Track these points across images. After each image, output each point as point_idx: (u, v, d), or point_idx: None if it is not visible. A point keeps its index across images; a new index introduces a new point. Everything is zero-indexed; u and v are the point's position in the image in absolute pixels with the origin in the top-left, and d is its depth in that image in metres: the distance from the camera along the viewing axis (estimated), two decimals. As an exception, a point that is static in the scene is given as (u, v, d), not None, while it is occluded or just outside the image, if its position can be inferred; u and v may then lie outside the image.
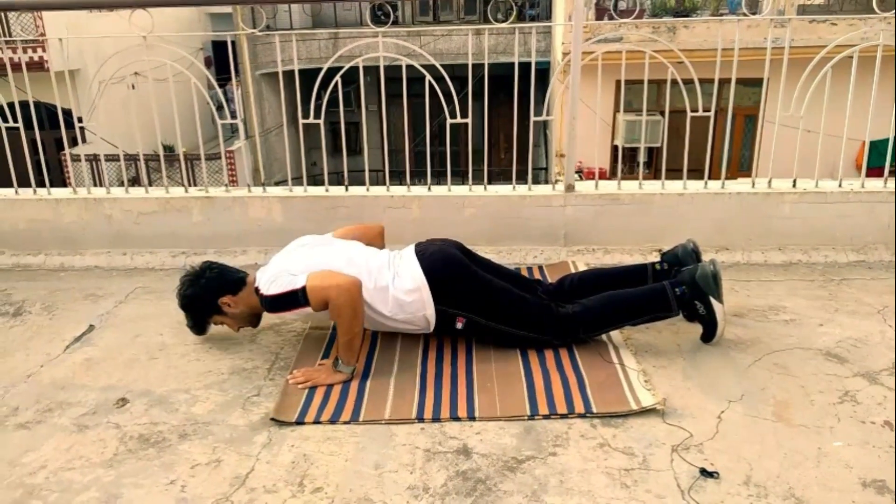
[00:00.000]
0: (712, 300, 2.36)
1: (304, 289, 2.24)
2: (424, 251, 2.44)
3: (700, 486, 1.73)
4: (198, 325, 2.54)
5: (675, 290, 2.39)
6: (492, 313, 2.39)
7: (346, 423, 2.05)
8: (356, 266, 2.38)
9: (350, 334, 2.25)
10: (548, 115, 3.44)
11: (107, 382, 2.33)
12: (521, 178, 3.45)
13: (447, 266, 2.40)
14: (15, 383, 2.34)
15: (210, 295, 2.45)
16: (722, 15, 10.34)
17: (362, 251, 2.49)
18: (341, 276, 2.27)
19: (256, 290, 2.38)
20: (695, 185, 3.33)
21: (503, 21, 3.30)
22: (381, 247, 2.80)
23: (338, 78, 3.26)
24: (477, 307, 2.39)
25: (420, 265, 2.37)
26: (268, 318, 2.76)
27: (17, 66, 3.48)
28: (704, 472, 1.77)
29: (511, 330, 2.40)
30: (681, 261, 2.57)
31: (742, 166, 10.99)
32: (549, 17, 13.30)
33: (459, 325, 2.40)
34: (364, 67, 3.33)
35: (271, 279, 2.32)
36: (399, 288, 2.36)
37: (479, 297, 2.39)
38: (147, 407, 2.17)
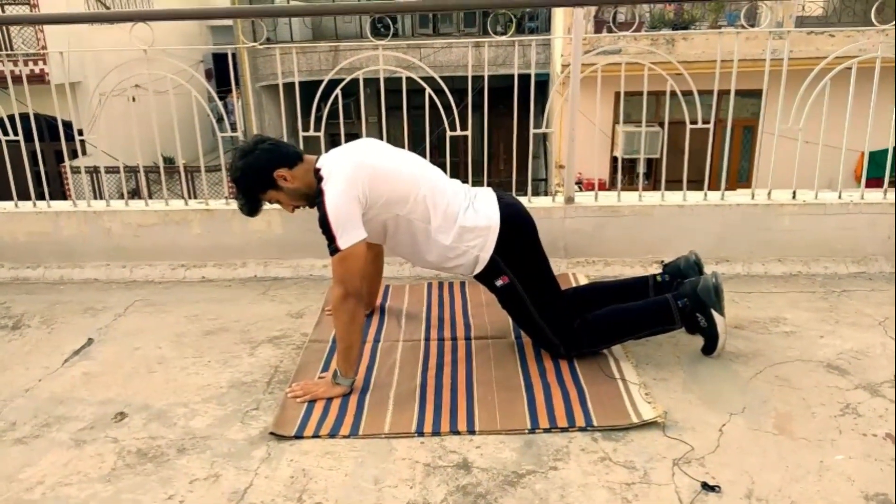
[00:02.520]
0: (714, 313, 2.35)
1: (337, 249, 2.15)
2: (504, 197, 2.43)
3: (702, 501, 1.72)
4: (250, 201, 2.32)
5: (677, 303, 2.39)
6: (533, 289, 2.38)
7: (345, 437, 2.04)
8: (431, 184, 2.32)
9: (347, 342, 2.24)
10: (547, 127, 3.45)
11: (105, 396, 2.32)
12: (521, 190, 3.45)
13: (523, 222, 2.39)
14: (13, 397, 2.33)
15: (265, 167, 2.25)
16: (720, 27, 10.38)
17: (437, 170, 2.44)
18: (358, 282, 2.21)
19: (318, 175, 2.23)
20: (694, 197, 3.33)
21: (503, 34, 3.31)
22: (381, 265, 2.80)
23: (338, 90, 3.27)
24: (525, 275, 2.37)
25: (499, 209, 2.35)
26: (267, 331, 2.76)
27: (18, 79, 3.49)
28: (706, 486, 1.76)
29: (535, 315, 2.39)
30: (683, 273, 2.56)
31: (741, 178, 11.00)
32: (548, 29, 13.36)
33: (500, 283, 2.38)
34: (364, 80, 3.34)
35: (337, 193, 2.17)
36: (471, 218, 2.32)
37: (532, 268, 2.39)
38: (145, 421, 2.16)
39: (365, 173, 2.23)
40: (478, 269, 2.37)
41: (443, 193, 2.33)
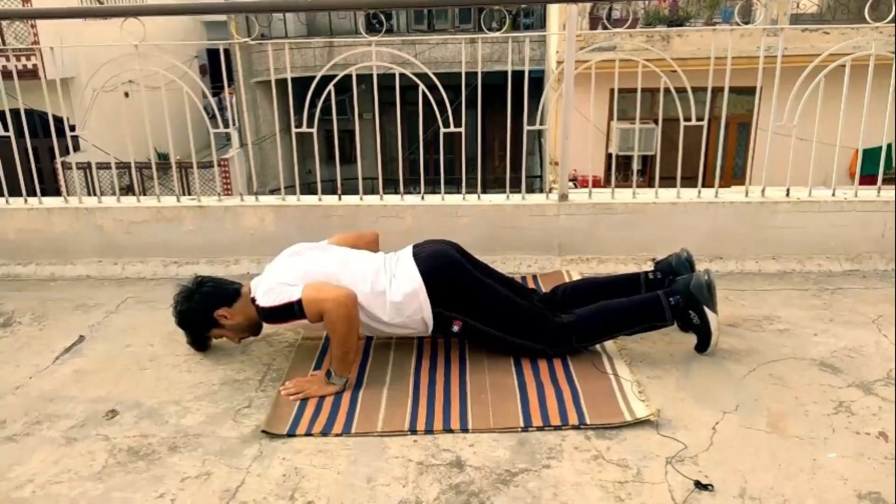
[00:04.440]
0: (706, 310, 2.35)
1: (299, 301, 2.21)
2: (421, 252, 2.41)
3: (695, 499, 1.72)
4: (197, 340, 2.51)
5: (669, 300, 2.38)
6: (488, 317, 2.37)
7: (337, 435, 2.03)
8: (352, 271, 2.35)
9: (344, 347, 2.23)
10: (541, 123, 3.44)
11: (96, 394, 2.30)
12: (515, 187, 3.44)
13: (445, 267, 2.37)
14: (3, 395, 2.32)
15: (206, 309, 2.42)
16: (715, 24, 10.38)
17: (357, 255, 2.46)
18: (337, 288, 2.24)
19: (253, 300, 2.35)
20: (688, 194, 3.33)
21: (497, 30, 3.30)
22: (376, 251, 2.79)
23: (331, 87, 3.26)
24: (474, 310, 2.36)
25: (417, 267, 2.35)
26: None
27: (10, 75, 3.46)
28: (699, 485, 1.76)
29: (506, 336, 2.39)
30: (675, 270, 2.57)
31: (736, 174, 11.01)
32: (543, 26, 13.33)
33: (456, 328, 2.38)
34: (359, 76, 3.32)
35: (266, 290, 2.29)
36: (396, 291, 2.32)
37: (476, 300, 2.37)
38: (137, 419, 2.15)
39: (285, 279, 2.31)
40: (430, 329, 2.38)
41: (364, 279, 2.33)
